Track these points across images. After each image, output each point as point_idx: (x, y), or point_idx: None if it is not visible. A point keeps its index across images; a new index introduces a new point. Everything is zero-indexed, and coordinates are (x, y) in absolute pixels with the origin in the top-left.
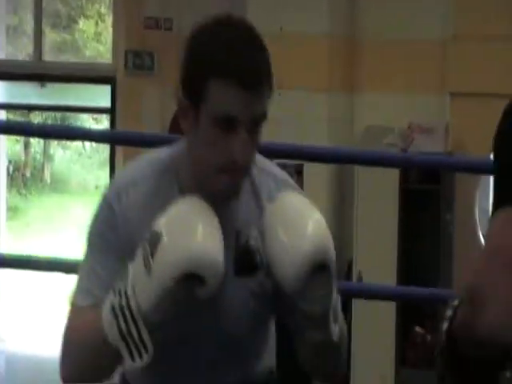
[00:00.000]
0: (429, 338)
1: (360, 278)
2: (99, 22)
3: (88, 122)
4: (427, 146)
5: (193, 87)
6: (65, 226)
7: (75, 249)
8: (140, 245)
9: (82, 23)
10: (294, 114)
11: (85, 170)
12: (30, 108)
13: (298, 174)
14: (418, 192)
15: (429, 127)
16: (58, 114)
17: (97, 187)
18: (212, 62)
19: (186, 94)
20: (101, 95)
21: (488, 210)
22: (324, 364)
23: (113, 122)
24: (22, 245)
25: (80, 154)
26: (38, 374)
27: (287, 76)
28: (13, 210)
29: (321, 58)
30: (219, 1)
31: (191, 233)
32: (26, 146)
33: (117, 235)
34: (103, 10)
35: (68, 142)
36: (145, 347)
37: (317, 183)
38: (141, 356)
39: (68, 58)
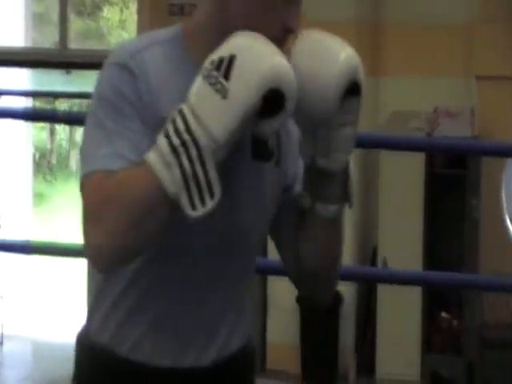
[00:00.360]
0: (455, 323)
1: (385, 264)
2: (124, 8)
3: None
4: (453, 130)
5: None
6: None
7: None
8: (200, 74)
9: (106, 10)
10: None
11: None
12: (56, 95)
13: None
14: (443, 177)
15: (455, 111)
16: (84, 101)
17: None
18: None
19: None
20: None
21: None
22: (329, 259)
23: None
24: (46, 231)
25: None
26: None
27: None
28: (38, 197)
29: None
30: None
31: (266, 50)
32: (52, 133)
33: (138, 91)
34: None
35: None
36: (210, 191)
37: None
38: (204, 203)
39: (93, 45)
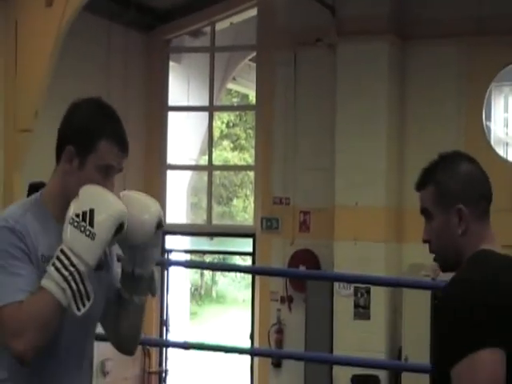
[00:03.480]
0: None
1: (406, 360)
2: (245, 200)
3: (239, 260)
4: (450, 276)
5: (85, 142)
6: (224, 325)
7: (231, 336)
8: (70, 223)
9: (235, 201)
10: (364, 256)
11: (236, 290)
12: (204, 252)
13: (367, 293)
14: None
15: None
16: (221, 256)
17: (243, 300)
18: (103, 127)
19: (77, 146)
20: (246, 244)
21: None
22: (138, 329)
23: (253, 261)
24: (198, 336)
25: (233, 280)
26: None
27: (360, 232)
28: (193, 314)
29: (380, 221)
30: (316, 196)
31: (110, 199)
32: (201, 275)
33: (25, 244)
34: (248, 192)
35: (226, 273)
36: (88, 297)
37: (379, 299)
38: (84, 305)
39: (227, 221)
